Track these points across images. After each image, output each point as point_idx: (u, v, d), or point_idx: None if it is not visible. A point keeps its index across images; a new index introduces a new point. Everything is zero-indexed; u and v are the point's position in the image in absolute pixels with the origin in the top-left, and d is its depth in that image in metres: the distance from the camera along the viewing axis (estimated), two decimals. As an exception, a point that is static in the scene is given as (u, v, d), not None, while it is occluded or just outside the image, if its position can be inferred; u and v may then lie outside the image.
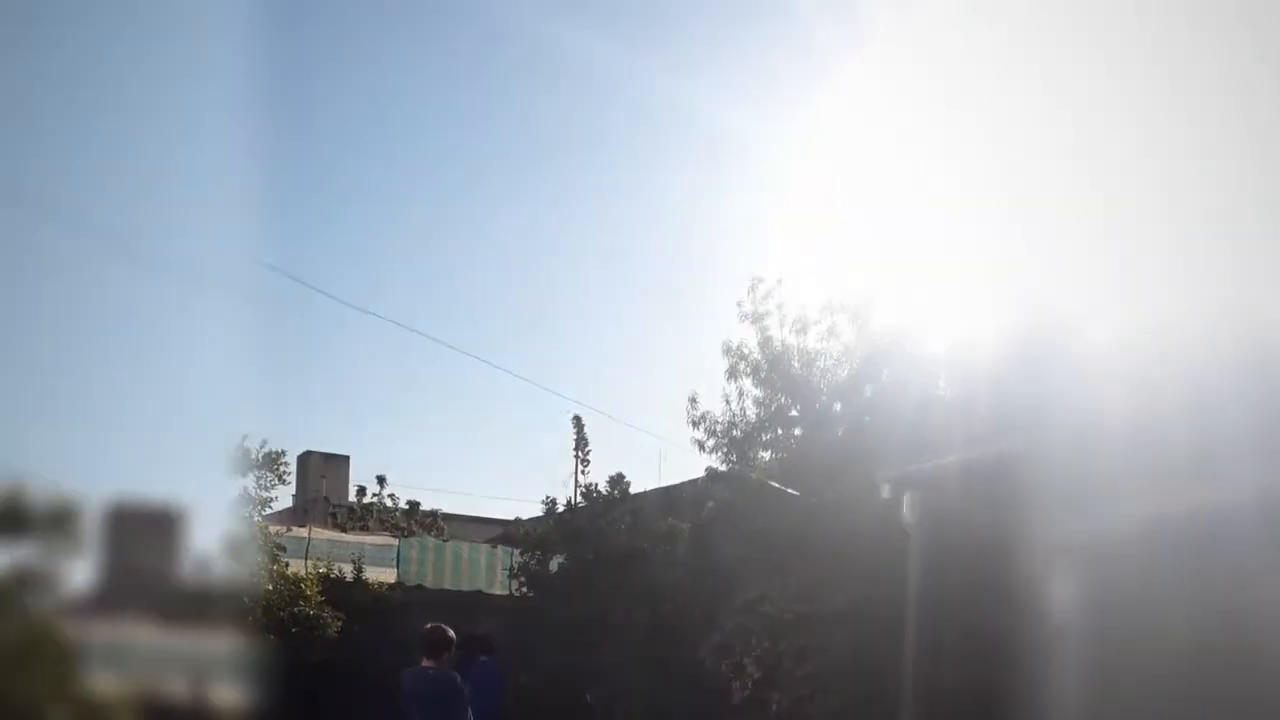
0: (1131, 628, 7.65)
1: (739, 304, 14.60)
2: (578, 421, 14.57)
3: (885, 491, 10.50)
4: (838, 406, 13.74)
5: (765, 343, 14.46)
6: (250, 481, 11.87)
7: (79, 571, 3.57)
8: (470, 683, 10.81)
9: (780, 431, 14.64)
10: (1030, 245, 10.48)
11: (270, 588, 11.68)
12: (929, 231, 13.78)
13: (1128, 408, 7.31)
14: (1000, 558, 8.68)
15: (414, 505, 18.72)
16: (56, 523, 3.27)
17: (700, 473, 14.55)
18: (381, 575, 13.20)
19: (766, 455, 14.50)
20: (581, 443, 14.52)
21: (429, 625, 7.02)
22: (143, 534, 10.62)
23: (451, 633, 6.96)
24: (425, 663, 6.79)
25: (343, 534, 15.08)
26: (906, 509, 10.04)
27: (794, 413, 14.40)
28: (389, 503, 18.85)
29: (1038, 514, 8.51)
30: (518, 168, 34.42)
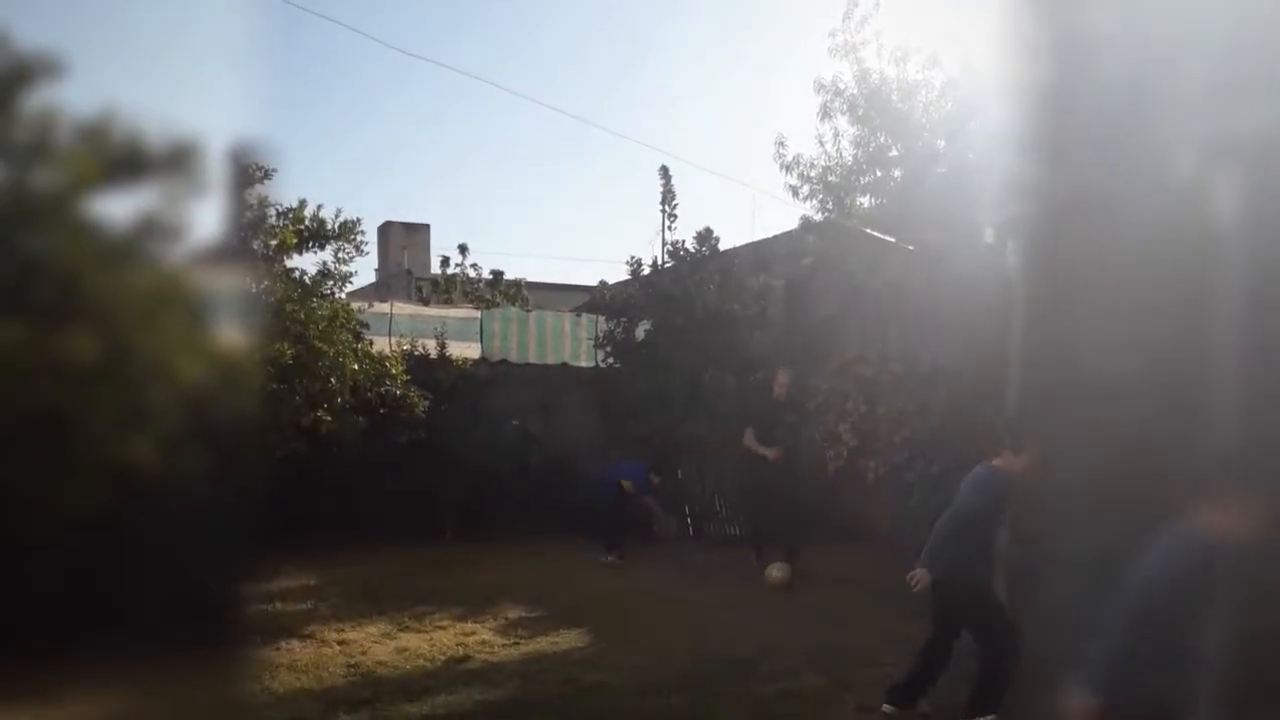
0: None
1: (832, 35, 13.21)
2: (665, 172, 13.55)
3: (989, 236, 9.57)
4: (941, 144, 12.47)
5: (862, 76, 13.11)
6: (328, 255, 11.37)
7: (202, 217, 3.25)
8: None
9: (879, 174, 13.46)
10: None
11: (356, 367, 11.39)
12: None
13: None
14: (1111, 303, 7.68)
15: (498, 275, 18.15)
16: (177, 163, 2.84)
17: (795, 225, 13.60)
18: (465, 350, 12.81)
19: (865, 201, 13.43)
20: (669, 196, 13.54)
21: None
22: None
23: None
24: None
25: (424, 308, 14.71)
26: (1011, 254, 9.09)
27: (894, 153, 13.19)
28: (472, 273, 18.39)
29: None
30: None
